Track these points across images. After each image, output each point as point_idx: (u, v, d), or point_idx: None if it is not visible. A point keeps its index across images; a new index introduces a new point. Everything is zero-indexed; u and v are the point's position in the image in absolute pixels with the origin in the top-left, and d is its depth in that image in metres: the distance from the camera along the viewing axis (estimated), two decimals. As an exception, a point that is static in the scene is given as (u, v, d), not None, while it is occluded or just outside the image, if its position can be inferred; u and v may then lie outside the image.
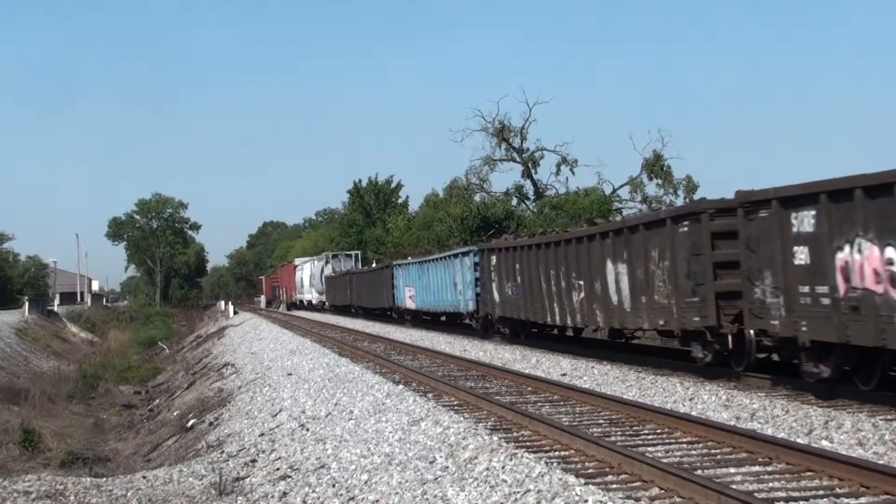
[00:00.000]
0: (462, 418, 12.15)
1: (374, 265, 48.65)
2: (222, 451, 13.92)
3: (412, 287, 35.13)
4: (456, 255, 29.60)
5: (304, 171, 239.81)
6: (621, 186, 60.34)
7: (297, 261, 75.25)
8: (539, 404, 13.43)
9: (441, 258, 31.74)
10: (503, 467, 9.09)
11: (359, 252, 63.24)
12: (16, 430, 19.18)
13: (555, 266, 20.36)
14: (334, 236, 78.98)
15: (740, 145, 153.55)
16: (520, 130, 61.53)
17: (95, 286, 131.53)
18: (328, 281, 58.94)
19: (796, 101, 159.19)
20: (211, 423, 18.20)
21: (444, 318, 33.56)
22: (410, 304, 35.82)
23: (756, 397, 12.70)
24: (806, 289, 11.98)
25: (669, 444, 10.14)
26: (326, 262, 61.46)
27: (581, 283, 19.06)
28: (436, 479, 9.26)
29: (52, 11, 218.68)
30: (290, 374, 21.07)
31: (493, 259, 25.17)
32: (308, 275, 66.96)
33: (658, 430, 10.86)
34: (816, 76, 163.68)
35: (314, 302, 64.94)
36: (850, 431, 10.13)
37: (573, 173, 61.58)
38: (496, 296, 24.82)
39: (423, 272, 33.26)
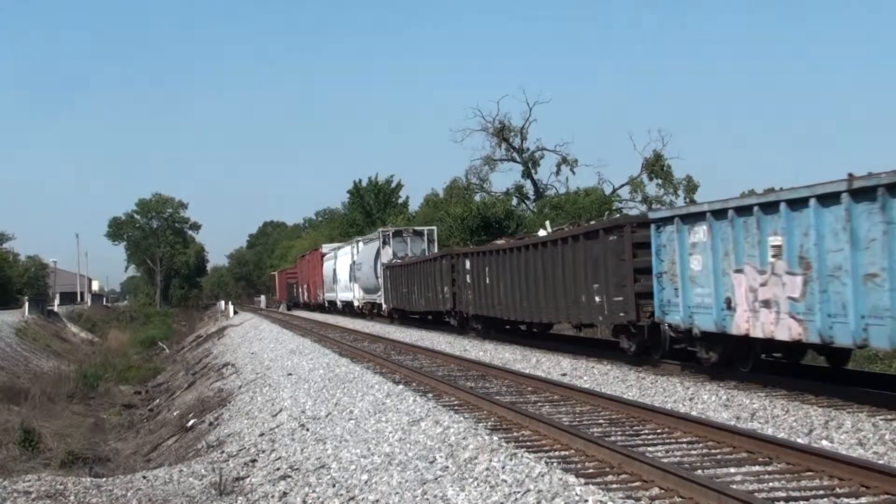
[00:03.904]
0: (462, 418, 12.14)
1: (548, 230, 23.88)
2: (222, 451, 13.93)
3: (801, 270, 11.88)
4: None
5: (304, 171, 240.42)
6: (621, 186, 60.46)
7: (326, 247, 56.20)
8: (539, 404, 13.42)
9: None
10: (503, 467, 9.08)
11: (434, 228, 42.27)
12: (16, 430, 19.17)
13: None
14: (335, 236, 78.93)
15: (740, 145, 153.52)
16: (520, 130, 61.66)
17: (95, 286, 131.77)
18: (391, 272, 37.40)
19: (796, 100, 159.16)
20: (211, 423, 18.21)
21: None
22: (785, 327, 12.33)
23: (756, 397, 12.71)
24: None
25: (669, 444, 10.13)
26: (384, 244, 40.38)
27: None
28: (436, 478, 9.25)
29: (52, 11, 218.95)
30: (290, 374, 21.07)
31: None
32: (347, 264, 46.47)
33: (658, 430, 10.85)
34: (817, 75, 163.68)
35: (357, 304, 44.98)
36: (850, 431, 10.13)
37: (573, 173, 61.83)
38: None
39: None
